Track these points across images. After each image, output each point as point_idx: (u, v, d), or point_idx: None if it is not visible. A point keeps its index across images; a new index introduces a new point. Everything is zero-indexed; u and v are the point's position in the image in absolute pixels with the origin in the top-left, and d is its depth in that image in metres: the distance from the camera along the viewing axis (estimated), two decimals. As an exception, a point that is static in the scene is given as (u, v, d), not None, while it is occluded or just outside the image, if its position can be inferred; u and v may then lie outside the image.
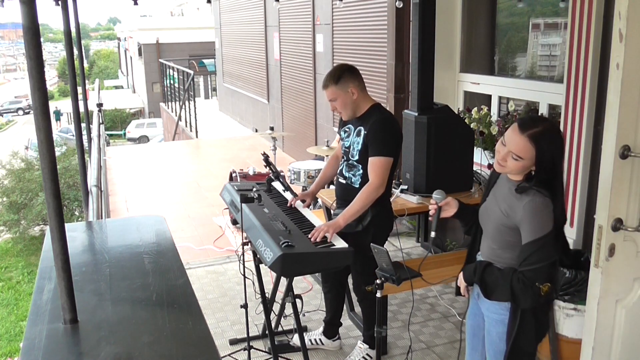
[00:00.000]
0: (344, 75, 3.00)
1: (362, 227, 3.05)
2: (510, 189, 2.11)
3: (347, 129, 3.16)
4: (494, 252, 2.18)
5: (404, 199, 3.88)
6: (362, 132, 3.02)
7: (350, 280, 3.41)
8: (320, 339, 3.53)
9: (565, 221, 2.15)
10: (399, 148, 3.07)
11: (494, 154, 2.21)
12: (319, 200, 4.35)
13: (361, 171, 3.06)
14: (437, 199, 2.30)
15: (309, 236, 2.76)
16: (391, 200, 3.32)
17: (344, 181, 3.19)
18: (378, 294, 2.62)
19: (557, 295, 3.01)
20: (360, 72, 3.10)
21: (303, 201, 3.26)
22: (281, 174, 3.55)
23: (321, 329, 3.56)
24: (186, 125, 12.57)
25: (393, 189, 3.69)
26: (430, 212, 2.32)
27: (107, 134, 19.64)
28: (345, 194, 3.12)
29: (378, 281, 2.59)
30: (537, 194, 2.01)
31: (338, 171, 3.25)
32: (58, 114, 35.71)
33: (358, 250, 2.84)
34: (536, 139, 1.96)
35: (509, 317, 2.14)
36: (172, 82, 14.81)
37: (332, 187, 4.40)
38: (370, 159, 2.98)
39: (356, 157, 3.07)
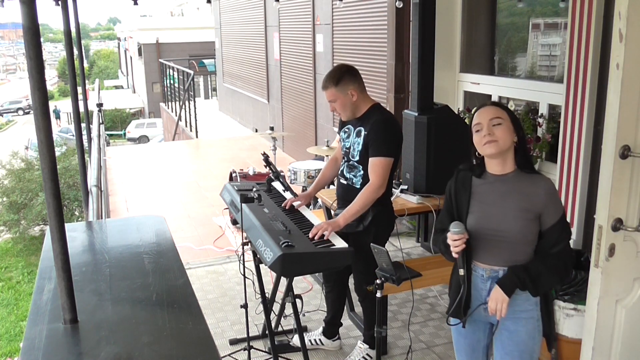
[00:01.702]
0: (344, 77, 3.00)
1: (363, 227, 3.05)
2: (508, 183, 2.11)
3: (347, 130, 3.16)
4: (520, 250, 2.10)
5: (404, 199, 3.88)
6: (363, 133, 3.02)
7: (351, 280, 3.41)
8: (320, 340, 3.53)
9: None
10: (399, 148, 3.07)
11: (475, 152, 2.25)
12: (319, 200, 4.35)
13: (362, 172, 3.06)
14: (458, 232, 2.06)
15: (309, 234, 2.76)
16: (391, 200, 3.32)
17: (345, 182, 3.18)
18: (378, 294, 2.62)
19: (557, 295, 3.01)
20: (360, 72, 3.11)
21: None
22: (281, 174, 3.55)
23: (321, 329, 3.56)
24: (186, 125, 12.56)
25: (393, 189, 3.69)
26: (458, 249, 2.08)
27: (107, 134, 19.64)
28: (346, 195, 3.12)
29: (378, 281, 2.59)
30: (539, 173, 2.13)
31: (339, 172, 3.25)
32: (57, 113, 35.74)
33: (359, 250, 2.83)
34: (501, 105, 2.18)
35: (541, 307, 2.14)
36: (172, 82, 14.81)
37: (332, 187, 4.41)
38: (370, 159, 2.98)
39: (357, 158, 3.07)
